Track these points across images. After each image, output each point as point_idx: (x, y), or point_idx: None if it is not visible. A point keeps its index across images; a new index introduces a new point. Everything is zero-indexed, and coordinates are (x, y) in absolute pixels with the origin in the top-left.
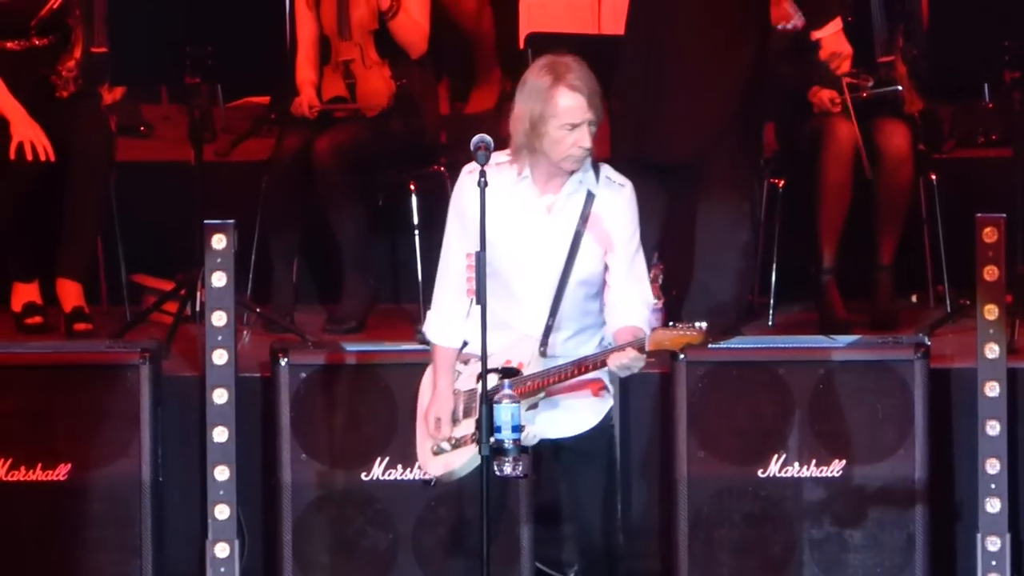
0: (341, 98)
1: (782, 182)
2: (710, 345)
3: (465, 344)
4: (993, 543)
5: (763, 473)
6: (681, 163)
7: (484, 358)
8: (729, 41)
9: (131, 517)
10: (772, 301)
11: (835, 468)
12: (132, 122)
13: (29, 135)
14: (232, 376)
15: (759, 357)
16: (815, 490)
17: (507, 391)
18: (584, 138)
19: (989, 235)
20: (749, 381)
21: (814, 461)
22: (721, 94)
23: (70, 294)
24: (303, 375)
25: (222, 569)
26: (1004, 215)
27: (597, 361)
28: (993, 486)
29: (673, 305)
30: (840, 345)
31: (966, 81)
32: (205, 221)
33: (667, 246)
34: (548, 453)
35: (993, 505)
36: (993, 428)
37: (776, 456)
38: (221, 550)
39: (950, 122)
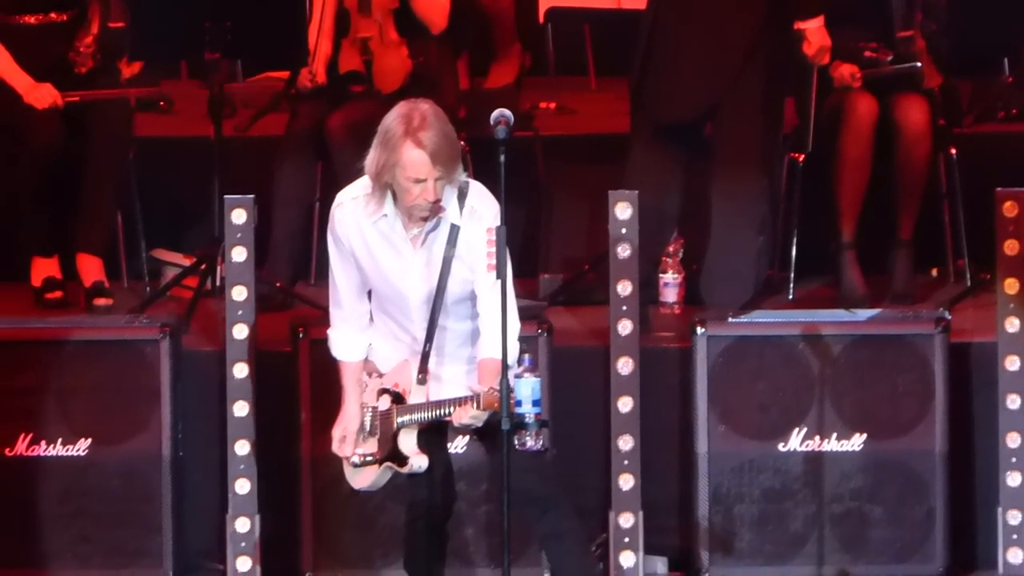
0: (357, 73)
1: (802, 157)
2: (730, 319)
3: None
4: (1014, 517)
5: (783, 447)
6: (688, 120)
7: (505, 328)
8: (738, 2)
9: (151, 493)
10: (792, 275)
11: (855, 442)
12: (151, 97)
13: (38, 96)
14: (252, 350)
15: (779, 331)
16: (835, 465)
17: (528, 365)
18: (429, 192)
19: (1009, 209)
20: (769, 355)
21: (834, 435)
22: (728, 49)
23: (90, 269)
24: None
25: (242, 544)
26: None
27: (451, 408)
28: (1013, 460)
29: (693, 280)
30: (860, 319)
31: (985, 55)
32: (225, 196)
33: (686, 220)
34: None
35: (1014, 479)
36: (1013, 402)
37: (796, 430)
38: (241, 525)
39: (969, 97)
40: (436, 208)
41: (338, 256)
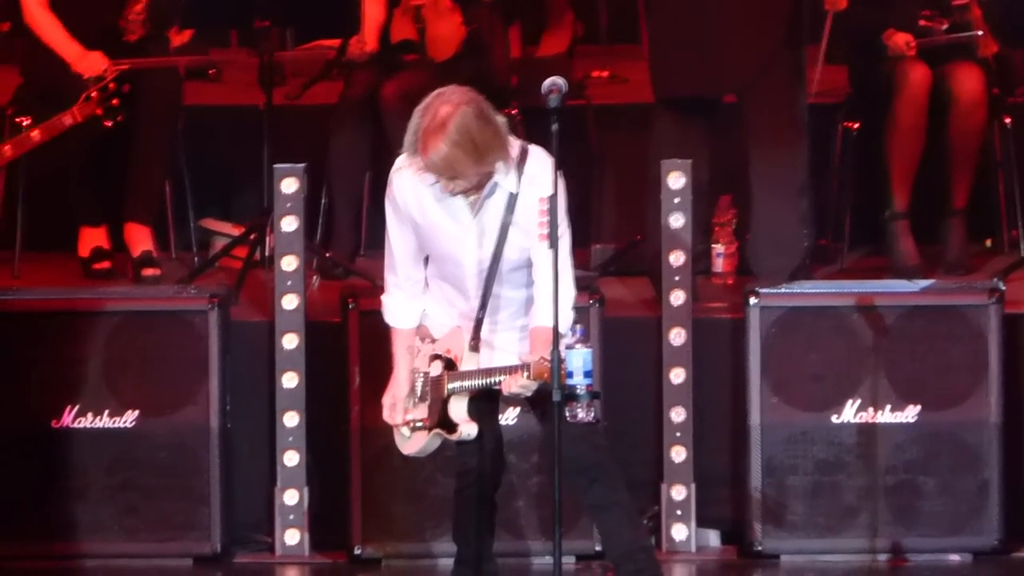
0: (410, 41)
1: (856, 125)
2: (783, 288)
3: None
4: None
5: (837, 419)
6: (729, 93)
7: (556, 298)
8: None
9: (199, 465)
10: (845, 245)
11: (909, 414)
12: (201, 65)
13: (87, 64)
14: (302, 321)
15: (832, 302)
16: (888, 436)
17: (580, 336)
18: (457, 187)
19: None
20: (822, 326)
21: (888, 407)
22: (766, 21)
23: (139, 239)
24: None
25: (291, 516)
26: None
27: (502, 376)
28: None
29: (746, 250)
30: (913, 290)
31: None
32: (275, 165)
33: (739, 190)
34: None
35: None
36: None
37: (850, 402)
38: (290, 497)
39: None
40: (477, 189)
41: (396, 221)
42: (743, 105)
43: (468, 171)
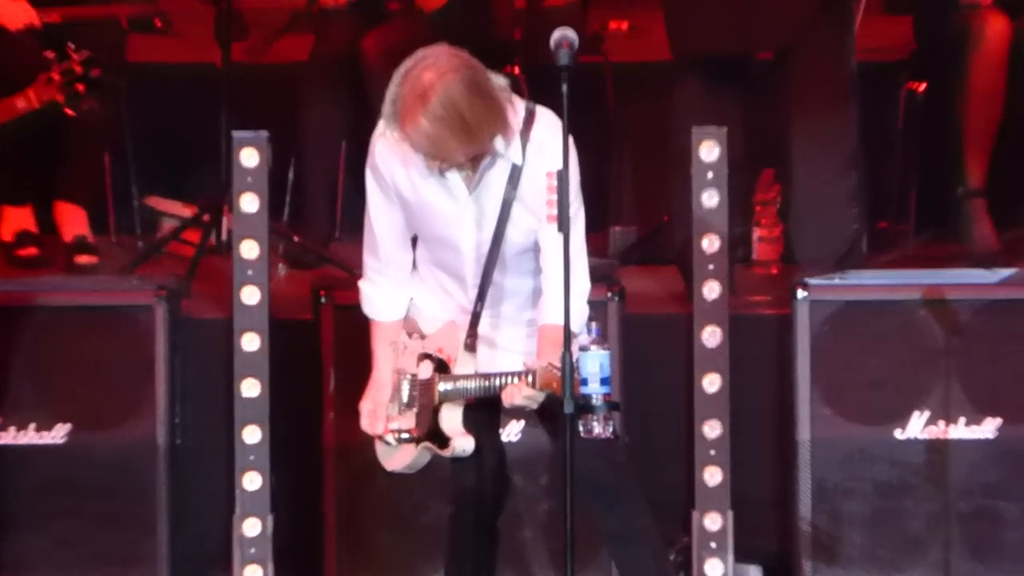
0: None
1: (921, 87)
2: (837, 279)
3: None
4: None
5: (901, 434)
6: (765, 49)
7: (568, 290)
8: None
9: (143, 488)
10: (910, 228)
11: (988, 428)
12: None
13: (10, 14)
14: (265, 318)
15: (896, 295)
16: (963, 454)
17: (596, 336)
18: (442, 168)
19: None
20: (884, 324)
21: (962, 420)
22: None
23: (71, 220)
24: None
25: (252, 550)
26: None
27: (504, 381)
28: None
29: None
30: (992, 281)
31: None
32: (234, 133)
33: (781, 163)
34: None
35: None
36: None
37: (916, 414)
38: (251, 527)
39: None
40: (473, 163)
41: (379, 195)
42: (782, 63)
43: (455, 152)
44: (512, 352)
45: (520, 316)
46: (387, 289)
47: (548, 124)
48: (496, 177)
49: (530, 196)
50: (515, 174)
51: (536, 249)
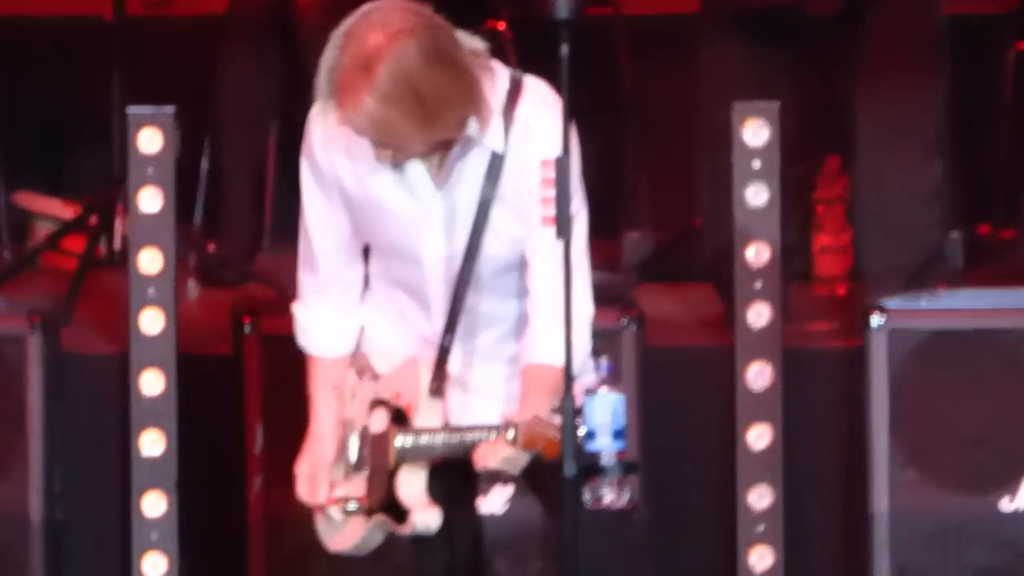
0: None
1: None
2: (924, 302)
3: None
4: None
5: (1008, 505)
6: (827, 2)
7: (569, 317)
8: None
9: (11, 572)
10: (1021, 234)
11: None
12: None
13: None
14: (172, 352)
15: (1002, 322)
16: None
17: (606, 375)
18: (395, 159)
19: None
20: (986, 360)
21: None
22: None
23: None
24: None
25: None
26: None
27: (478, 437)
28: None
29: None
30: None
31: None
32: (129, 109)
33: (846, 149)
34: None
35: None
36: None
37: None
38: None
39: None
40: (440, 150)
41: (317, 192)
42: (848, 20)
43: (409, 139)
44: (490, 397)
45: (500, 351)
46: (329, 315)
47: (538, 100)
48: (471, 170)
49: (515, 195)
50: (495, 166)
51: (521, 265)
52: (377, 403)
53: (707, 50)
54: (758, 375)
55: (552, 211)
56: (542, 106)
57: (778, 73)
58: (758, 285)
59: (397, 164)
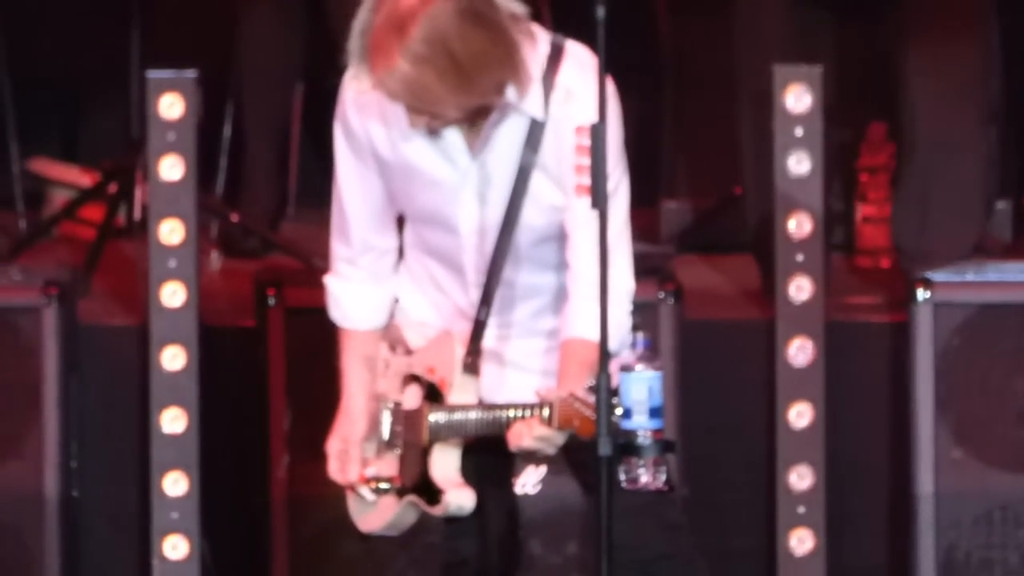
0: None
1: None
2: (971, 275)
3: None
4: None
5: None
6: None
7: (605, 289)
8: None
9: (27, 553)
10: None
11: None
12: None
13: None
14: (194, 325)
15: None
16: None
17: (643, 350)
18: (431, 125)
19: None
20: None
21: None
22: None
23: None
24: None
25: None
26: None
27: (513, 415)
28: None
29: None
30: None
31: None
32: (148, 73)
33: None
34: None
35: None
36: None
37: None
38: None
39: None
40: (476, 117)
41: (351, 158)
42: None
43: (444, 104)
44: (527, 371)
45: (537, 324)
46: (361, 286)
47: (581, 65)
48: (508, 137)
49: (555, 162)
50: (535, 133)
51: (560, 236)
52: (410, 378)
53: (746, 6)
54: (799, 351)
55: (587, 180)
56: (584, 71)
57: (820, 32)
58: (800, 258)
59: (433, 132)
